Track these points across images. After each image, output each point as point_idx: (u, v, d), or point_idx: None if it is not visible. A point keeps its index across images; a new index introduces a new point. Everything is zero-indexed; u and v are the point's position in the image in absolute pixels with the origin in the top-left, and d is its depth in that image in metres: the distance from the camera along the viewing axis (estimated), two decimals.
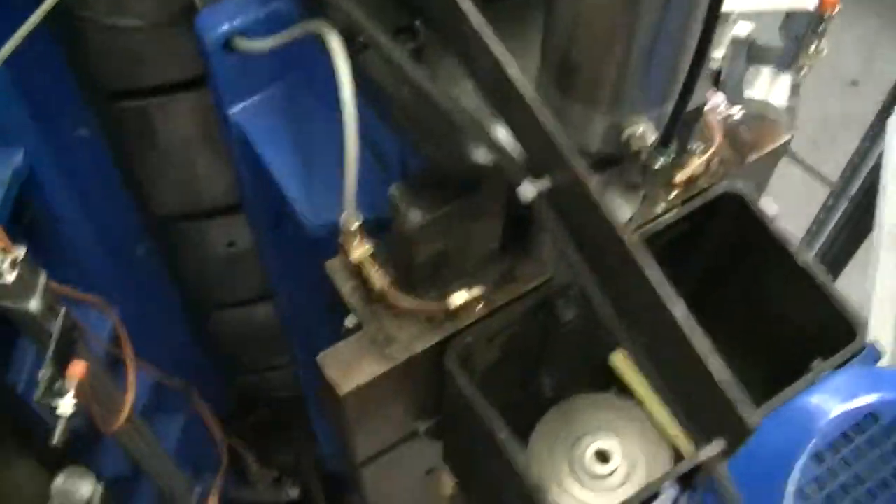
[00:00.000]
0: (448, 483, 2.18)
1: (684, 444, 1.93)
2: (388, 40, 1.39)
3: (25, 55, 1.62)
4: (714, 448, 1.18)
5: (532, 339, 1.74)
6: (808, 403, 1.54)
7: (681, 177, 1.71)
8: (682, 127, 1.41)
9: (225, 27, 1.75)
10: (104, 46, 1.93)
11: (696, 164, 1.71)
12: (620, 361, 2.03)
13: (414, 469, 2.10)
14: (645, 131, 1.35)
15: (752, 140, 1.81)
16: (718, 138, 1.74)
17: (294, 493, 3.60)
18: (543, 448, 1.90)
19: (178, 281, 2.58)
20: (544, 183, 1.25)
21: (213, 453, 2.80)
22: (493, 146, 1.30)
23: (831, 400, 1.55)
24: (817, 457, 1.44)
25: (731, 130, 1.80)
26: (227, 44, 1.77)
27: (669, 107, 1.39)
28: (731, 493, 1.20)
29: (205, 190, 2.32)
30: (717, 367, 1.10)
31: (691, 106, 1.40)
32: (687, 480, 1.58)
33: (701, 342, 1.12)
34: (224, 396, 3.03)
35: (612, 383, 2.03)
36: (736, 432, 1.13)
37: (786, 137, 1.83)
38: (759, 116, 1.81)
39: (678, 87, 1.33)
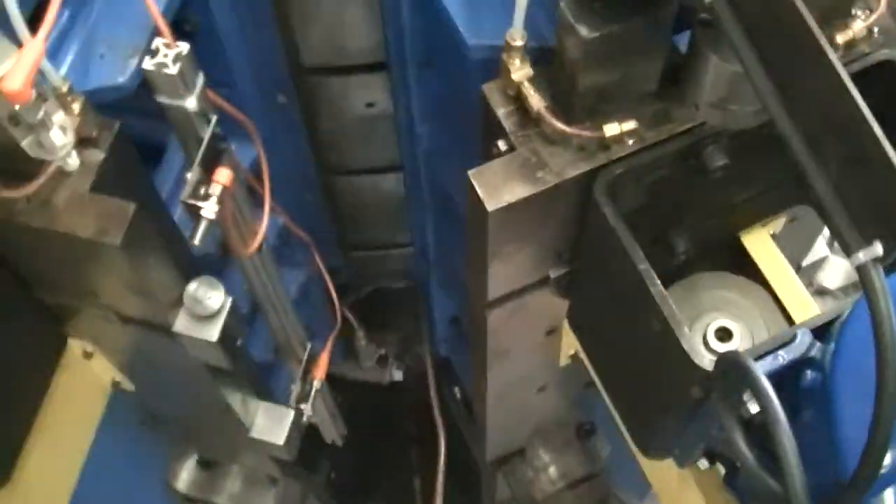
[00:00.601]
0: (569, 344, 2.20)
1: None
2: None
3: None
4: (874, 250, 1.19)
5: (677, 188, 1.74)
6: None
7: (842, 38, 1.69)
8: None
9: None
10: None
11: (858, 27, 1.69)
12: (752, 240, 2.04)
13: (537, 324, 2.12)
14: None
15: None
16: (883, 5, 1.72)
17: (398, 375, 3.65)
18: None
19: (312, 138, 2.61)
20: None
21: (326, 317, 2.83)
22: None
23: None
24: None
25: None
26: None
27: None
28: (885, 304, 1.20)
29: (351, 42, 2.33)
30: None
31: None
32: (822, 331, 1.58)
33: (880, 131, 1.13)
34: (340, 268, 3.06)
35: (738, 268, 2.04)
36: None
37: None
38: None
39: None
